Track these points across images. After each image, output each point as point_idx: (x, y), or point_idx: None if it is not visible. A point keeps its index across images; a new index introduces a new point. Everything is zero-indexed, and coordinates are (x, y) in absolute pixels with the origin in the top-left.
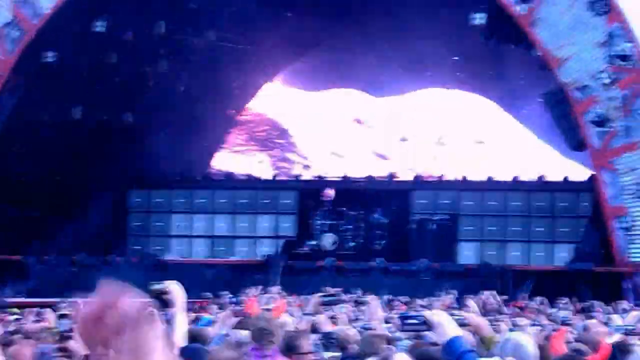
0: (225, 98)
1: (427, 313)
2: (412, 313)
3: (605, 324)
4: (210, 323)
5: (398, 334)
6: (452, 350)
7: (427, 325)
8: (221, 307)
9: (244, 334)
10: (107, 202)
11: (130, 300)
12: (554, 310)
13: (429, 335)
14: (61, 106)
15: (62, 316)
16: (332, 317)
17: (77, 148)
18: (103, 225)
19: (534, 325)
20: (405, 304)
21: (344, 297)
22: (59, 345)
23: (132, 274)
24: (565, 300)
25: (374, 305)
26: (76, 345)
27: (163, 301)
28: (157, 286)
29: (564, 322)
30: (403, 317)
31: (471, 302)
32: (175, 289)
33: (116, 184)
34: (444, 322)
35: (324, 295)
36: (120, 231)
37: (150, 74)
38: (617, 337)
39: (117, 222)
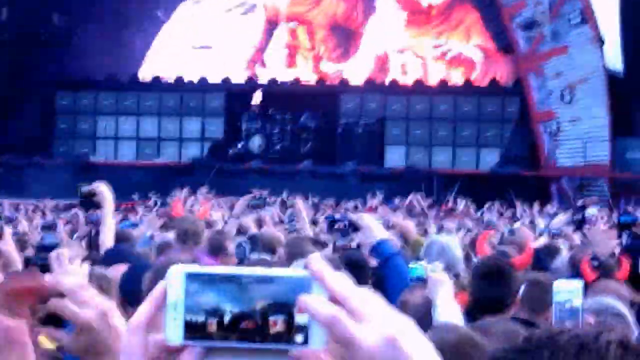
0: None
1: (354, 216)
2: (338, 216)
3: (531, 226)
4: (133, 225)
5: (324, 236)
6: (379, 252)
7: (354, 227)
8: (148, 209)
9: (170, 235)
10: (35, 104)
11: None
12: (480, 213)
13: (356, 237)
14: None
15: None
16: (258, 219)
17: (5, 50)
18: (31, 127)
19: (460, 228)
20: (332, 206)
21: (270, 199)
22: None
23: (59, 175)
24: (492, 203)
25: (300, 208)
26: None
27: (92, 202)
28: (86, 187)
29: (490, 225)
30: (330, 220)
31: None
32: (103, 191)
33: (45, 86)
34: (371, 224)
35: (252, 198)
36: (48, 133)
37: None
38: (542, 240)
39: (45, 124)
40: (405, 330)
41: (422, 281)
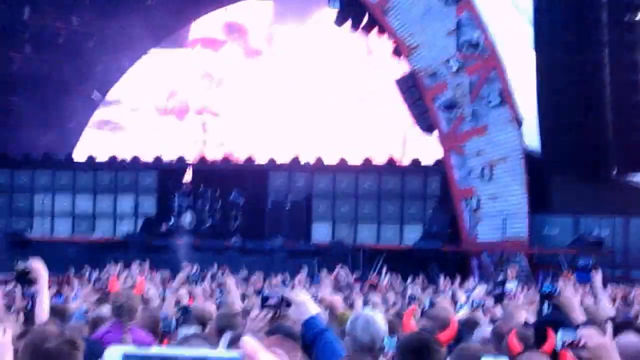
0: (90, 81)
1: (286, 292)
2: (271, 292)
3: (452, 300)
4: (63, 299)
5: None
6: (311, 327)
7: (286, 303)
8: (82, 284)
9: (105, 309)
10: None
11: None
12: (403, 287)
13: (289, 313)
14: None
15: None
16: (190, 293)
17: None
18: None
19: (384, 302)
20: (259, 281)
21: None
22: None
23: None
24: (415, 277)
25: (230, 284)
26: None
27: (27, 278)
28: (21, 264)
29: (412, 298)
30: (263, 297)
31: (325, 280)
32: (38, 267)
33: None
34: (304, 300)
35: (190, 273)
36: None
37: (15, 58)
38: (462, 313)
39: None
40: None
41: None
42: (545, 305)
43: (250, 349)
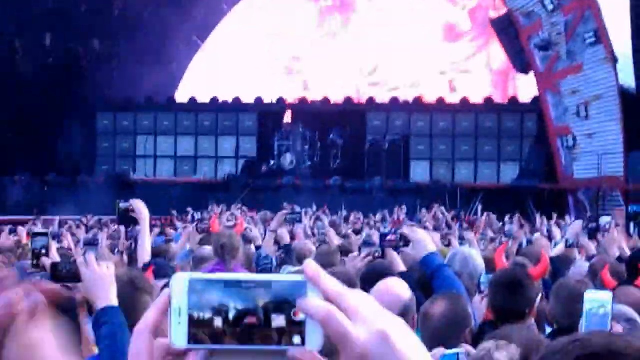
0: (191, 25)
1: (405, 230)
2: (393, 230)
3: (549, 237)
4: (166, 240)
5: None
6: (429, 264)
7: (405, 241)
8: (185, 225)
9: (207, 250)
10: (76, 126)
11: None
12: (500, 225)
13: (407, 250)
14: (32, 34)
15: (35, 234)
16: (291, 232)
17: (47, 74)
18: (73, 147)
19: (482, 239)
20: (360, 219)
21: (304, 214)
22: (33, 262)
23: (101, 193)
24: (512, 215)
25: (330, 222)
26: (49, 262)
27: (130, 218)
28: (123, 204)
29: (509, 236)
30: (382, 234)
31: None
32: (140, 207)
33: (85, 109)
34: (421, 238)
35: (288, 213)
36: (89, 153)
37: (117, 3)
38: (558, 250)
39: (86, 144)
40: (396, 327)
41: None
42: (632, 227)
43: (312, 272)
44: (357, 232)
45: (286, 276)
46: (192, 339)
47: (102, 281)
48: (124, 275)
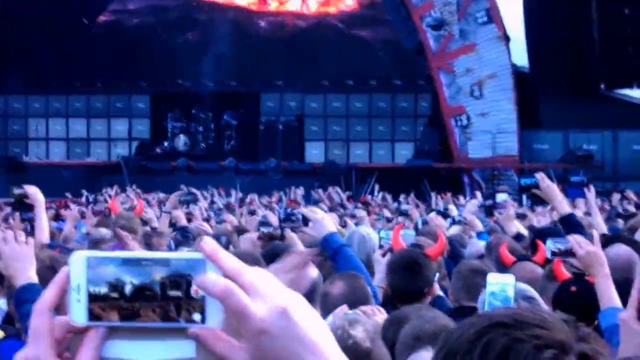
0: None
1: (305, 210)
2: (293, 211)
3: (445, 216)
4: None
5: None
6: (329, 244)
7: (304, 221)
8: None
9: (104, 232)
10: None
11: None
12: (396, 204)
13: (307, 230)
14: None
15: None
16: (188, 214)
17: None
18: None
19: (378, 219)
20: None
21: (200, 195)
22: None
23: None
24: (407, 194)
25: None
26: None
27: (25, 204)
28: (18, 190)
29: (404, 215)
30: (286, 214)
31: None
32: (35, 192)
33: None
34: (321, 218)
35: (183, 194)
36: None
37: None
38: (454, 229)
39: None
40: (295, 302)
41: None
42: (525, 198)
43: (210, 248)
44: (252, 213)
45: (184, 254)
46: (92, 315)
47: (22, 258)
48: (45, 258)
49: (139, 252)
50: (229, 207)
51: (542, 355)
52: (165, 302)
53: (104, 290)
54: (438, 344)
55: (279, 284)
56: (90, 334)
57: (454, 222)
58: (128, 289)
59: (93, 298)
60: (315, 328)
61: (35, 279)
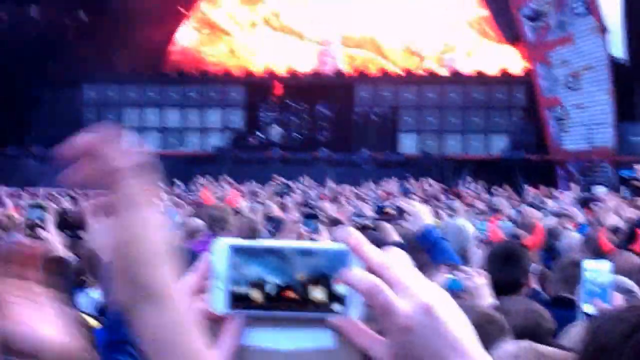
0: None
1: (403, 203)
2: (388, 203)
3: (540, 208)
4: None
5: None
6: (426, 237)
7: (401, 213)
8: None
9: (198, 221)
10: (62, 97)
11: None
12: (489, 197)
13: (404, 223)
14: (17, 5)
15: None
16: (281, 205)
17: (33, 45)
18: (59, 119)
19: (471, 212)
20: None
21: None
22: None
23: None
24: (501, 187)
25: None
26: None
27: None
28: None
29: (497, 209)
30: (379, 207)
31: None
32: None
33: (71, 80)
34: (419, 211)
35: (277, 186)
36: (76, 124)
37: None
38: (549, 221)
39: (72, 116)
40: (440, 300)
41: (458, 292)
42: (625, 190)
43: (355, 240)
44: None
45: (328, 244)
46: (232, 304)
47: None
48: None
49: (282, 242)
50: (321, 199)
51: None
52: (307, 296)
53: (246, 287)
54: (584, 337)
55: (424, 279)
56: (231, 322)
57: (548, 215)
58: (270, 288)
59: (236, 293)
60: (459, 326)
61: None
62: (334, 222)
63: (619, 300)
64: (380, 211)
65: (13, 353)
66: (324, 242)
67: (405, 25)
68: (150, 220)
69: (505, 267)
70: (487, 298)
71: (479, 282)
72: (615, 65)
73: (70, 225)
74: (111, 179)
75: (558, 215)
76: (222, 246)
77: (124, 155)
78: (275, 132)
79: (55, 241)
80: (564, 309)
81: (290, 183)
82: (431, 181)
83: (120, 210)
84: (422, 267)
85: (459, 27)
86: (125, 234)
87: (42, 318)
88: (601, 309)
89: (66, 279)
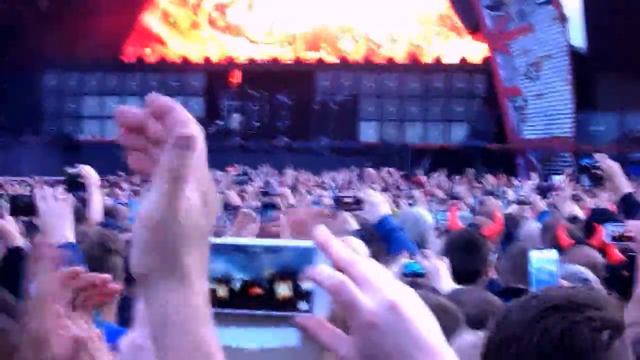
0: None
1: (360, 193)
2: (347, 193)
3: (501, 197)
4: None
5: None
6: (383, 226)
7: (360, 204)
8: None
9: None
10: (21, 84)
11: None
12: (450, 185)
13: (361, 212)
14: None
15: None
16: (241, 192)
17: None
18: (18, 106)
19: (432, 200)
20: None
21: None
22: None
23: (47, 153)
24: (462, 176)
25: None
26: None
27: (78, 183)
28: (71, 170)
29: (457, 197)
30: (337, 197)
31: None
32: (88, 172)
33: (31, 67)
34: (376, 201)
35: (237, 175)
36: (35, 112)
37: None
38: (510, 209)
39: (32, 103)
40: (405, 297)
41: (420, 276)
42: (585, 179)
43: (323, 238)
44: (309, 192)
45: (295, 242)
46: None
47: (59, 215)
48: (94, 233)
49: (249, 240)
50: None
51: (600, 337)
52: (273, 292)
53: (212, 284)
54: (490, 328)
55: (389, 276)
56: None
57: (509, 203)
58: (237, 284)
59: None
60: (424, 323)
61: (71, 238)
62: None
63: None
64: (338, 201)
65: None
66: (291, 240)
67: (366, 14)
68: (198, 200)
69: (465, 256)
70: (448, 281)
71: (440, 265)
72: (574, 54)
73: (22, 211)
74: (184, 144)
75: (520, 202)
76: None
77: (192, 123)
78: (235, 120)
79: (13, 229)
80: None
81: (249, 171)
82: (391, 170)
83: (176, 180)
84: (379, 256)
85: (418, 15)
86: (172, 208)
87: None
88: None
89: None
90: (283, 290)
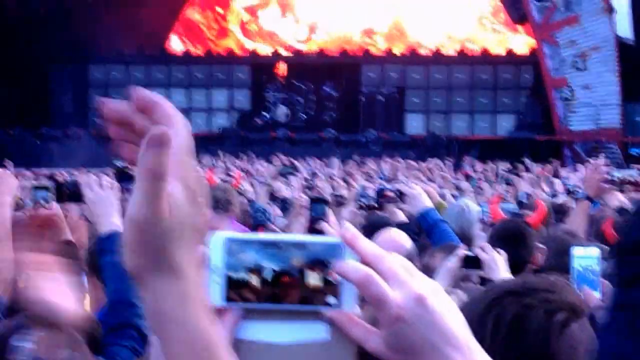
0: None
1: (402, 186)
2: (388, 186)
3: (546, 188)
4: None
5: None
6: (426, 219)
7: (402, 196)
8: None
9: None
10: (67, 77)
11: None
12: (497, 176)
13: (404, 205)
14: None
15: (36, 188)
16: (286, 185)
17: (37, 24)
18: (64, 99)
19: (477, 191)
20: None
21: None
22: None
23: (94, 146)
24: (510, 167)
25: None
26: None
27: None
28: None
29: (508, 184)
30: (379, 190)
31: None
32: None
33: (75, 60)
34: (418, 193)
35: (282, 166)
36: (81, 105)
37: None
38: (557, 200)
39: (78, 96)
40: (433, 291)
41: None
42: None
43: (350, 234)
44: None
45: (322, 237)
46: (229, 297)
47: (106, 203)
48: None
49: (277, 235)
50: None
51: (554, 318)
52: (304, 281)
53: (243, 275)
54: None
55: (417, 271)
56: (226, 316)
57: (554, 195)
58: (268, 274)
59: (233, 282)
60: (451, 317)
61: (119, 226)
62: (339, 203)
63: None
64: (380, 194)
65: (32, 321)
66: (319, 235)
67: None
68: (181, 194)
69: (510, 247)
70: (505, 273)
71: (497, 257)
72: (621, 45)
73: (68, 197)
74: (156, 143)
75: (569, 193)
76: (218, 239)
77: (176, 117)
78: (281, 112)
79: (62, 221)
80: None
81: (296, 163)
82: (438, 161)
83: (154, 178)
84: (425, 248)
85: (466, 7)
86: (154, 207)
87: (57, 288)
88: (588, 297)
89: (77, 261)
90: (314, 279)
